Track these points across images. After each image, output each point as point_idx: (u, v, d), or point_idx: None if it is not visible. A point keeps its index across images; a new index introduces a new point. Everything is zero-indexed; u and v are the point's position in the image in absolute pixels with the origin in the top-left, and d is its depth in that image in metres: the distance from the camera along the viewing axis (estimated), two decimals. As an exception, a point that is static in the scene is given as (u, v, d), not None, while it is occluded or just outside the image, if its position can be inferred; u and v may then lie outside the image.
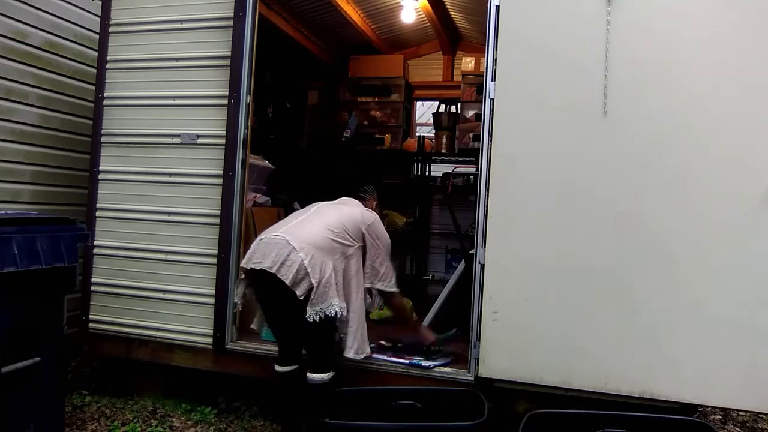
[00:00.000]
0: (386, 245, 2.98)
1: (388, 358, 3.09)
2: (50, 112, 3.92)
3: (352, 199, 3.16)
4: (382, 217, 3.49)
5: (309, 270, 2.61)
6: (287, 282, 2.59)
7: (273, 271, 2.61)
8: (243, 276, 2.88)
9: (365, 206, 3.13)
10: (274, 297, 2.74)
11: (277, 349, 2.95)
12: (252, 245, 2.81)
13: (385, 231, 3.03)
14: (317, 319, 2.61)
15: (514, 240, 2.79)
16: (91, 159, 3.56)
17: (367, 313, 3.37)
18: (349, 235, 2.83)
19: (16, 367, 2.42)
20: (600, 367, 2.66)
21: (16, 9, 3.64)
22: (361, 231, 2.89)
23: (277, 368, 2.85)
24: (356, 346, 2.82)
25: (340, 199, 3.14)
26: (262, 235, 2.82)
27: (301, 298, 2.61)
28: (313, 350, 2.79)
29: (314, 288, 2.61)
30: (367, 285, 2.92)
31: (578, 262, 2.71)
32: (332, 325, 2.73)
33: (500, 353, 2.79)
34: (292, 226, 2.82)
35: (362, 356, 2.86)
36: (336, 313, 2.65)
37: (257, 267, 2.67)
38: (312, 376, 2.70)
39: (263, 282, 2.72)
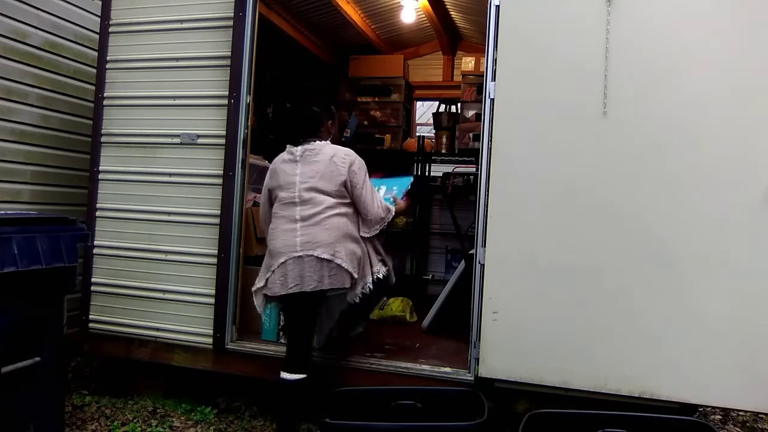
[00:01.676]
0: (365, 178, 2.93)
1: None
2: (50, 112, 3.92)
3: (314, 146, 2.91)
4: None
5: (347, 267, 2.78)
6: (336, 285, 2.77)
7: (318, 289, 2.74)
8: (260, 286, 2.89)
9: (324, 135, 2.98)
10: (303, 310, 2.83)
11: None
12: (274, 268, 2.79)
13: (353, 155, 2.93)
14: (357, 300, 2.88)
15: (514, 240, 2.79)
16: (91, 159, 3.56)
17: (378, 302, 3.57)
18: (342, 197, 2.87)
19: (16, 367, 2.42)
20: (600, 367, 2.66)
21: (16, 9, 3.64)
22: (344, 183, 2.85)
23: (285, 376, 2.77)
24: (359, 290, 2.89)
25: (305, 152, 2.90)
26: (279, 256, 2.79)
27: (347, 286, 2.81)
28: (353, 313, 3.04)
29: (353, 281, 2.82)
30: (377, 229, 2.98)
31: (578, 261, 2.71)
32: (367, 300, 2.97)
33: (500, 353, 2.79)
34: (303, 237, 2.78)
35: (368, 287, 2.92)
36: (369, 285, 2.91)
37: (297, 291, 2.75)
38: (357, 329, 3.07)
39: (294, 300, 2.80)
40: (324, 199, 2.82)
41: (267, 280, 2.85)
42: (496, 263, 2.81)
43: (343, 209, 2.86)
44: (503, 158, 2.81)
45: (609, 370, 2.65)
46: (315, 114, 3.02)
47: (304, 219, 2.81)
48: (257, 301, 2.95)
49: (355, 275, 2.80)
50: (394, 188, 3.27)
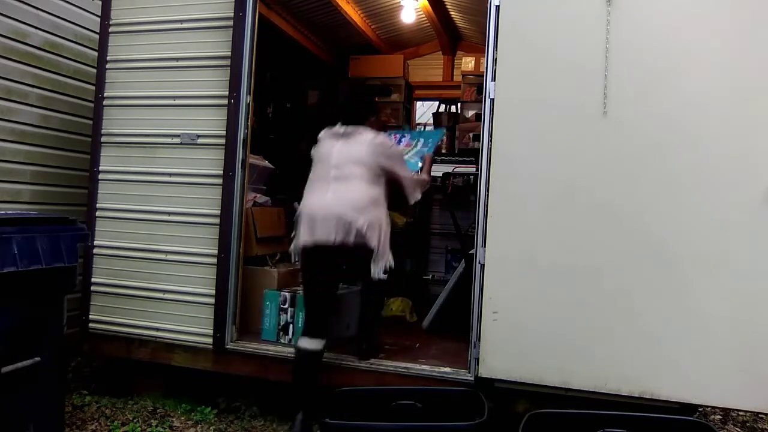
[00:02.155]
0: (403, 164, 3.21)
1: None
2: (50, 112, 3.92)
3: (359, 130, 3.11)
4: None
5: (368, 234, 2.89)
6: (358, 242, 2.87)
7: (338, 243, 2.86)
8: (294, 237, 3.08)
9: (371, 126, 3.17)
10: (326, 266, 2.96)
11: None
12: (304, 220, 2.97)
13: (390, 144, 3.21)
14: (382, 275, 2.97)
15: (514, 240, 2.79)
16: (91, 159, 3.56)
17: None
18: (376, 175, 3.03)
19: (16, 367, 2.42)
20: (600, 367, 2.66)
21: (16, 9, 3.64)
22: (379, 164, 3.04)
23: (303, 344, 2.88)
24: (383, 265, 3.00)
25: (346, 131, 3.11)
26: (310, 210, 2.97)
27: (365, 257, 2.93)
28: (365, 313, 3.18)
29: (375, 250, 2.93)
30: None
31: (578, 261, 2.71)
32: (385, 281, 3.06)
33: (500, 353, 2.79)
34: (335, 194, 2.95)
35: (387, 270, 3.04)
36: (391, 263, 3.03)
37: (323, 242, 2.88)
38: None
39: (319, 253, 2.93)
40: (360, 173, 2.98)
41: (296, 233, 3.04)
42: (496, 263, 2.81)
43: (375, 186, 3.01)
44: (503, 158, 2.81)
45: (609, 370, 2.65)
46: (368, 108, 3.32)
47: (337, 181, 2.98)
48: (295, 257, 3.21)
49: (375, 243, 2.91)
50: (429, 141, 3.48)
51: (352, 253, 2.91)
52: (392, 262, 3.04)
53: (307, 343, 2.88)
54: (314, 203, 2.98)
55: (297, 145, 3.94)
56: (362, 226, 2.88)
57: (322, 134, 3.19)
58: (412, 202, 3.27)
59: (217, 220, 3.27)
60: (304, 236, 2.95)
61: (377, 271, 2.96)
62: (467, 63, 5.29)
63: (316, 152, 3.16)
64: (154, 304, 3.37)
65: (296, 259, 3.19)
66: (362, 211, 2.91)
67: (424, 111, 8.17)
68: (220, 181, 3.27)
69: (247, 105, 3.27)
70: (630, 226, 2.66)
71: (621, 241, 2.66)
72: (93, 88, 3.65)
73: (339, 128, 3.14)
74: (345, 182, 2.97)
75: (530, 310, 2.75)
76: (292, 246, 3.14)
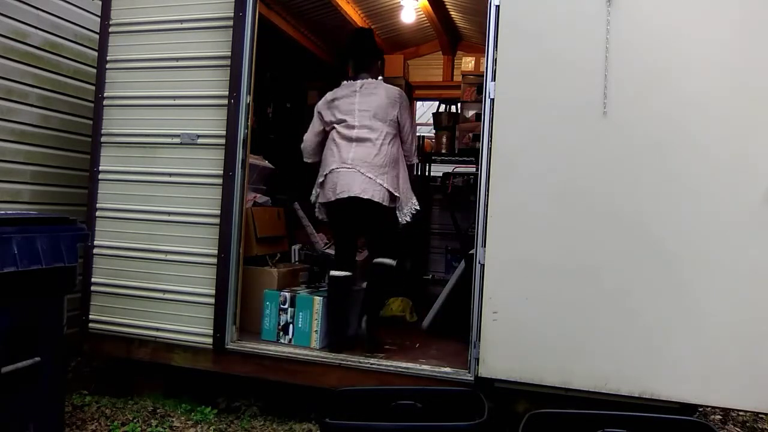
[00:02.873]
0: (412, 119, 3.61)
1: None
2: (50, 112, 3.92)
3: (372, 82, 3.44)
4: None
5: (387, 187, 3.25)
6: (378, 200, 3.22)
7: (363, 197, 3.20)
8: (314, 200, 3.45)
9: (375, 72, 3.54)
10: (353, 217, 3.33)
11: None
12: (329, 177, 3.30)
13: (403, 95, 3.48)
14: (409, 218, 3.39)
15: (514, 240, 2.79)
16: (91, 159, 3.56)
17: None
18: (392, 128, 3.36)
19: (16, 367, 2.42)
20: (600, 367, 2.66)
21: (16, 9, 3.63)
22: (396, 117, 3.38)
23: (335, 273, 3.36)
24: (408, 210, 3.40)
25: (363, 86, 3.41)
26: (334, 166, 3.29)
27: (389, 205, 3.30)
28: (385, 244, 3.46)
29: (398, 199, 3.32)
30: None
31: (578, 261, 2.71)
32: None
33: (500, 353, 2.79)
34: (356, 154, 3.26)
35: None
36: (416, 206, 3.42)
37: (345, 196, 3.22)
38: (385, 260, 3.39)
39: (344, 206, 3.28)
40: (379, 127, 3.31)
41: (319, 192, 3.39)
42: (496, 263, 2.81)
43: (392, 139, 3.35)
44: (503, 158, 2.81)
45: (609, 370, 2.65)
46: (375, 52, 3.64)
47: (359, 140, 3.29)
48: (320, 215, 3.51)
49: (396, 194, 3.29)
50: None
51: (376, 207, 3.24)
52: (417, 206, 3.42)
53: (339, 273, 3.35)
54: (334, 161, 3.29)
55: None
56: (383, 181, 3.22)
57: (335, 92, 3.46)
58: (412, 161, 3.55)
59: (217, 220, 3.27)
60: (329, 194, 3.29)
61: (403, 216, 3.36)
62: (467, 63, 5.29)
63: (333, 109, 3.41)
64: (154, 304, 3.37)
65: (323, 217, 3.51)
66: (383, 167, 3.24)
67: (424, 111, 8.18)
68: (220, 181, 3.27)
69: (247, 105, 3.27)
70: (630, 225, 2.65)
71: (621, 240, 2.66)
72: (93, 88, 3.64)
73: (353, 83, 3.44)
74: (366, 142, 3.28)
75: (530, 310, 2.75)
76: (317, 207, 3.48)
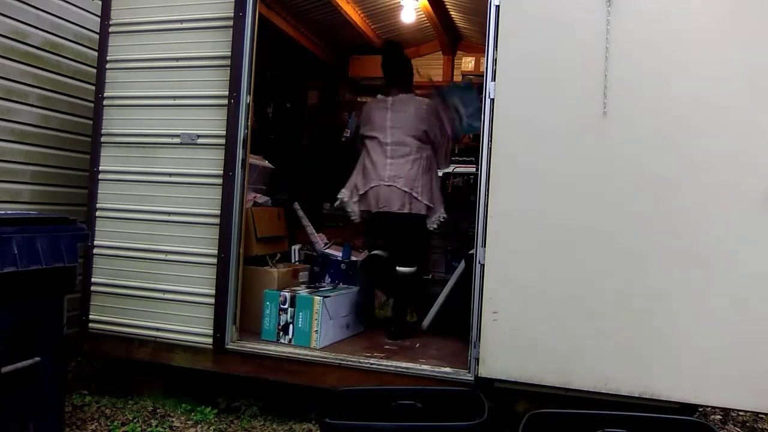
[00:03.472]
0: (445, 129, 3.80)
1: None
2: (50, 112, 3.92)
3: (403, 98, 3.76)
4: None
5: (422, 200, 3.63)
6: (415, 212, 3.63)
7: (404, 211, 3.61)
8: (346, 200, 3.77)
9: (410, 88, 3.86)
10: (392, 227, 3.70)
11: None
12: (371, 192, 3.67)
13: (433, 108, 3.78)
14: (436, 226, 3.73)
15: (514, 240, 2.79)
16: (91, 159, 3.56)
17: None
18: (423, 141, 3.69)
19: (16, 367, 2.42)
20: (600, 367, 2.66)
21: (16, 9, 3.63)
22: (427, 131, 3.70)
23: (401, 269, 3.70)
24: (436, 218, 3.73)
25: (393, 102, 3.74)
26: (374, 184, 3.66)
27: (424, 214, 3.67)
28: (411, 251, 3.78)
29: (431, 208, 3.68)
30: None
31: (578, 261, 2.71)
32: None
33: (500, 353, 2.79)
34: (393, 171, 3.63)
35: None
36: (443, 215, 3.74)
37: (385, 210, 3.63)
38: (403, 269, 3.71)
39: (384, 217, 3.68)
40: (410, 142, 3.64)
41: (360, 196, 3.73)
42: (496, 263, 2.81)
43: (423, 152, 3.68)
44: (503, 158, 2.81)
45: (609, 370, 2.65)
46: (403, 67, 3.90)
47: (393, 157, 3.65)
48: (354, 210, 3.78)
49: (431, 205, 3.66)
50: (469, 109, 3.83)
51: (412, 218, 3.64)
52: (444, 215, 3.72)
53: (404, 270, 3.69)
54: (375, 177, 3.66)
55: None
56: (419, 194, 3.60)
57: (370, 106, 3.85)
58: (444, 169, 3.92)
59: (217, 220, 3.27)
60: (371, 204, 3.68)
61: (431, 224, 3.71)
62: (467, 63, 5.29)
63: (367, 122, 3.78)
64: (154, 304, 3.37)
65: (356, 218, 3.82)
66: (416, 180, 3.61)
67: (424, 111, 8.14)
68: (220, 181, 3.27)
69: (247, 105, 3.27)
70: (630, 225, 2.65)
71: (621, 240, 2.66)
72: (93, 88, 3.64)
73: (386, 98, 3.77)
74: (399, 158, 3.63)
75: (530, 310, 2.75)
76: (351, 204, 3.77)
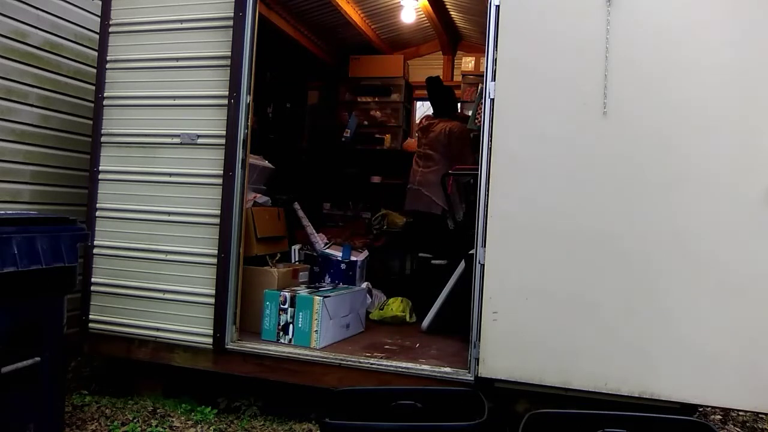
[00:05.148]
0: (466, 151, 4.39)
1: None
2: (50, 112, 3.92)
3: (433, 122, 4.55)
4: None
5: (439, 203, 4.31)
6: (435, 212, 4.37)
7: (427, 210, 4.39)
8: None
9: (445, 114, 4.60)
10: (420, 221, 4.56)
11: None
12: (408, 191, 4.55)
13: (456, 131, 4.45)
14: (452, 226, 4.24)
15: (514, 240, 2.79)
16: (91, 159, 3.56)
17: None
18: (445, 157, 4.41)
19: (17, 367, 2.42)
20: (600, 367, 2.66)
21: (16, 9, 3.63)
22: (446, 147, 4.40)
23: (435, 261, 4.24)
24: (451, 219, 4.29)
25: (432, 125, 4.53)
26: (410, 186, 4.54)
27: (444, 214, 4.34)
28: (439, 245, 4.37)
29: (447, 209, 4.27)
30: None
31: (578, 261, 2.71)
32: None
33: (500, 353, 2.79)
34: (422, 178, 4.44)
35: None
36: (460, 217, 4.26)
37: (413, 209, 4.55)
38: (438, 260, 4.28)
39: (413, 214, 4.59)
40: (438, 159, 4.40)
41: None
42: (496, 263, 2.81)
43: (443, 166, 4.32)
44: (503, 158, 2.81)
45: (609, 370, 2.65)
46: (442, 98, 4.68)
47: (424, 167, 4.47)
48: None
49: (446, 207, 4.26)
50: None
51: (434, 216, 4.32)
52: (460, 216, 4.20)
53: (438, 261, 4.18)
54: (412, 180, 4.52)
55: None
56: (438, 198, 4.28)
57: (423, 124, 4.68)
58: (463, 181, 4.22)
59: (217, 220, 3.27)
60: (408, 202, 4.58)
61: (450, 222, 4.23)
62: (467, 63, 5.30)
63: (419, 137, 4.69)
64: (154, 304, 3.37)
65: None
66: (438, 186, 4.25)
67: (424, 111, 8.16)
68: (220, 181, 3.27)
69: (247, 105, 3.27)
70: (630, 225, 2.65)
71: (621, 240, 2.66)
72: (93, 88, 3.64)
73: (431, 122, 4.53)
74: (427, 169, 4.42)
75: (530, 310, 2.75)
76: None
